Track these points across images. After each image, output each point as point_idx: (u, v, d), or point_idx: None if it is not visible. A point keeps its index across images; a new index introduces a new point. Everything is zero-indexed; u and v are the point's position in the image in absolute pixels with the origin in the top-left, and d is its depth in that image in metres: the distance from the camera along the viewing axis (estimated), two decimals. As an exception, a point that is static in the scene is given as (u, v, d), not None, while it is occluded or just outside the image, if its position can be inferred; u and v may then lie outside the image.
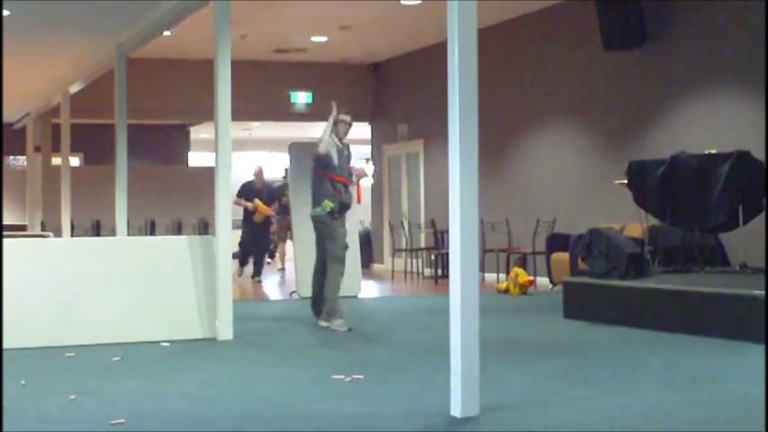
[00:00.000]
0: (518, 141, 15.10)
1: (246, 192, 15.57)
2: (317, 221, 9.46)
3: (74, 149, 18.32)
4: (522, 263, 13.65)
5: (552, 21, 14.32)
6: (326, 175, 9.49)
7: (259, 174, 15.87)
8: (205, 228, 20.63)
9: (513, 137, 15.13)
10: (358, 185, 10.74)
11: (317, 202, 9.45)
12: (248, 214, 15.59)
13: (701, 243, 10.58)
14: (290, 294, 12.74)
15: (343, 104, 9.73)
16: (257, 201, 15.39)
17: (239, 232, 18.52)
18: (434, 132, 16.73)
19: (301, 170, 11.74)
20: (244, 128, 24.61)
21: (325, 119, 9.83)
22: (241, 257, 16.32)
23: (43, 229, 19.71)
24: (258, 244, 15.90)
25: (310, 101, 19.05)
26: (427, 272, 16.58)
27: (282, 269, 17.48)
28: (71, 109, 17.04)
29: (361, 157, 20.35)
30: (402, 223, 17.22)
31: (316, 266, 9.68)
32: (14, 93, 17.76)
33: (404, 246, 16.92)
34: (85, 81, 15.87)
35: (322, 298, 9.47)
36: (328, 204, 9.37)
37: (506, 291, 12.72)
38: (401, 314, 10.77)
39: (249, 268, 16.15)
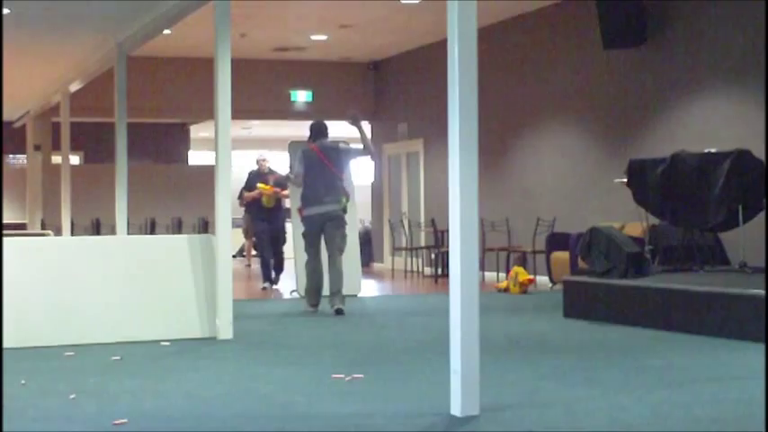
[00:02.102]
0: (518, 140, 15.09)
1: (254, 180, 13.63)
2: (339, 217, 10.20)
3: (74, 148, 18.33)
4: (522, 262, 13.64)
5: (552, 19, 14.31)
6: (340, 174, 10.29)
7: (263, 161, 13.84)
8: (205, 227, 20.65)
9: (513, 136, 15.12)
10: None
11: (335, 199, 10.16)
12: (253, 206, 13.74)
13: (700, 242, 10.57)
14: (290, 293, 12.73)
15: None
16: (259, 184, 13.40)
17: (239, 231, 18.50)
18: (434, 131, 16.73)
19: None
20: (244, 126, 24.62)
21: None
22: (264, 270, 13.79)
23: (43, 228, 19.75)
24: (274, 239, 13.72)
25: (310, 99, 19.04)
26: (427, 271, 16.58)
27: (249, 266, 17.17)
28: (71, 107, 17.03)
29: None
30: (402, 222, 17.21)
31: (320, 261, 10.30)
32: (14, 91, 17.76)
33: (404, 244, 16.93)
34: (85, 79, 15.86)
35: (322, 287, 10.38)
36: (344, 202, 10.22)
37: (506, 290, 12.73)
38: (401, 313, 10.76)
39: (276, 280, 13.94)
